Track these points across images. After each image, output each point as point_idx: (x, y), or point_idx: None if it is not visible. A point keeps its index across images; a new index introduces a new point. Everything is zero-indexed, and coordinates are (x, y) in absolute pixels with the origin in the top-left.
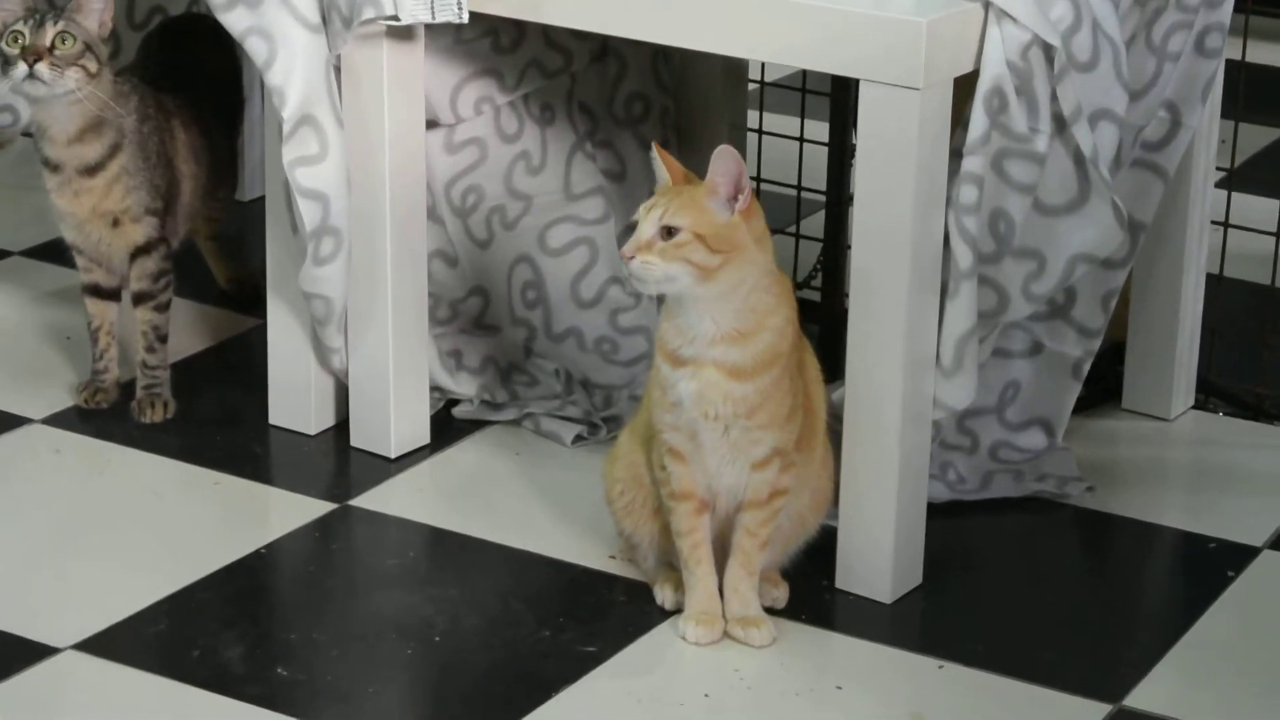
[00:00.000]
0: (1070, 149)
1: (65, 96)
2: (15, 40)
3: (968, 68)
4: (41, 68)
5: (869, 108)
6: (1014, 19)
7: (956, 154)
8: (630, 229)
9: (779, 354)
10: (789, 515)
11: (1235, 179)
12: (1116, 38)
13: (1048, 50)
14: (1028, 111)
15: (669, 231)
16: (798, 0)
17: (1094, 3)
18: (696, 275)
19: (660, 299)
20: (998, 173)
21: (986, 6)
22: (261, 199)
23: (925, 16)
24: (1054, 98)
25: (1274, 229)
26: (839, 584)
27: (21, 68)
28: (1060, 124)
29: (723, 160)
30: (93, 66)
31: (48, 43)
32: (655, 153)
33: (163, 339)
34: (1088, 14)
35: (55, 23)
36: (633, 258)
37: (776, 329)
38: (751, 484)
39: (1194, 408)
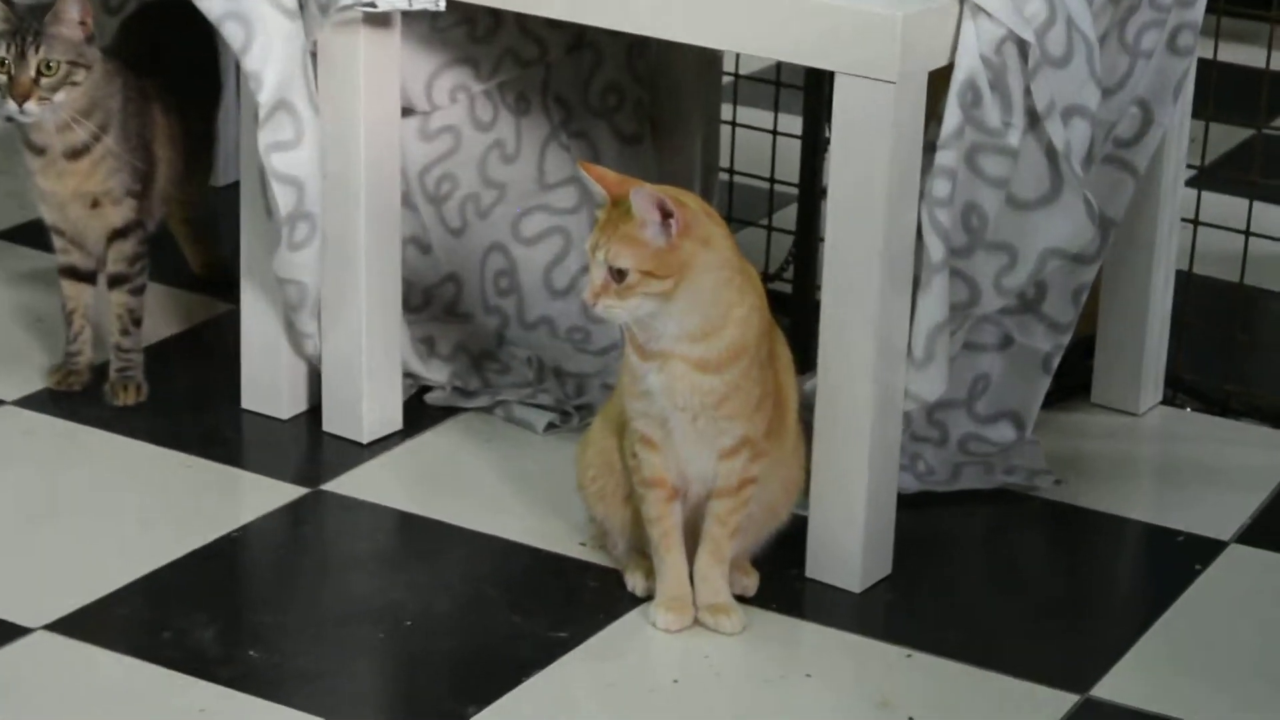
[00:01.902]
0: (1043, 144)
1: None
2: (1, 66)
3: (942, 61)
4: (31, 106)
5: (844, 100)
6: (989, 14)
7: (930, 148)
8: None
9: (745, 346)
10: (760, 504)
11: (1204, 178)
12: (1090, 34)
13: (1022, 45)
14: (1001, 106)
15: (619, 273)
16: None
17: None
18: (658, 300)
19: None
20: (970, 167)
21: (961, 1)
22: (235, 185)
23: (901, 10)
24: (1027, 93)
25: (1243, 227)
26: (809, 573)
27: (11, 105)
28: (1033, 119)
29: (639, 200)
30: (80, 76)
31: (32, 74)
32: (582, 171)
33: (137, 322)
34: (1062, 10)
35: (36, 49)
36: (595, 304)
37: (741, 320)
38: (721, 472)
39: (1162, 403)
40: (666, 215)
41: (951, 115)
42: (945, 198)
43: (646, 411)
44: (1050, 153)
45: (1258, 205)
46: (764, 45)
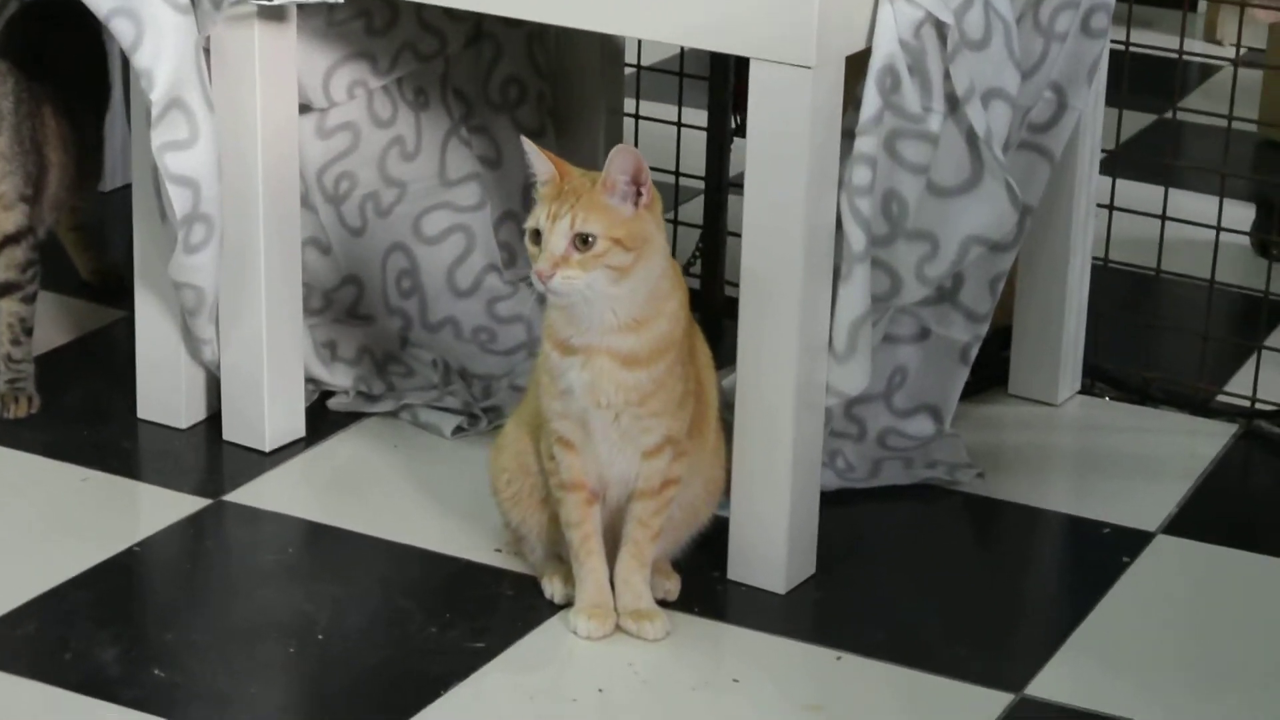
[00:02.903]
0: (963, 129)
1: None
2: None
3: (860, 46)
4: None
5: (760, 88)
6: None
7: (848, 134)
8: (508, 217)
9: (673, 340)
10: (681, 505)
11: (1118, 163)
12: (1008, 16)
13: (940, 28)
14: (920, 90)
15: (584, 240)
16: None
17: None
18: (614, 277)
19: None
20: (890, 153)
21: None
22: (122, 189)
23: None
24: (946, 77)
25: (1152, 211)
26: (731, 575)
27: None
28: (953, 103)
29: (622, 158)
30: None
31: None
32: (527, 146)
33: (29, 331)
34: None
35: None
36: (552, 276)
37: (671, 315)
38: (643, 473)
39: (1080, 392)
40: (639, 186)
41: (870, 101)
42: (865, 185)
43: (566, 411)
44: (970, 138)
45: (1154, 189)
46: (676, 31)
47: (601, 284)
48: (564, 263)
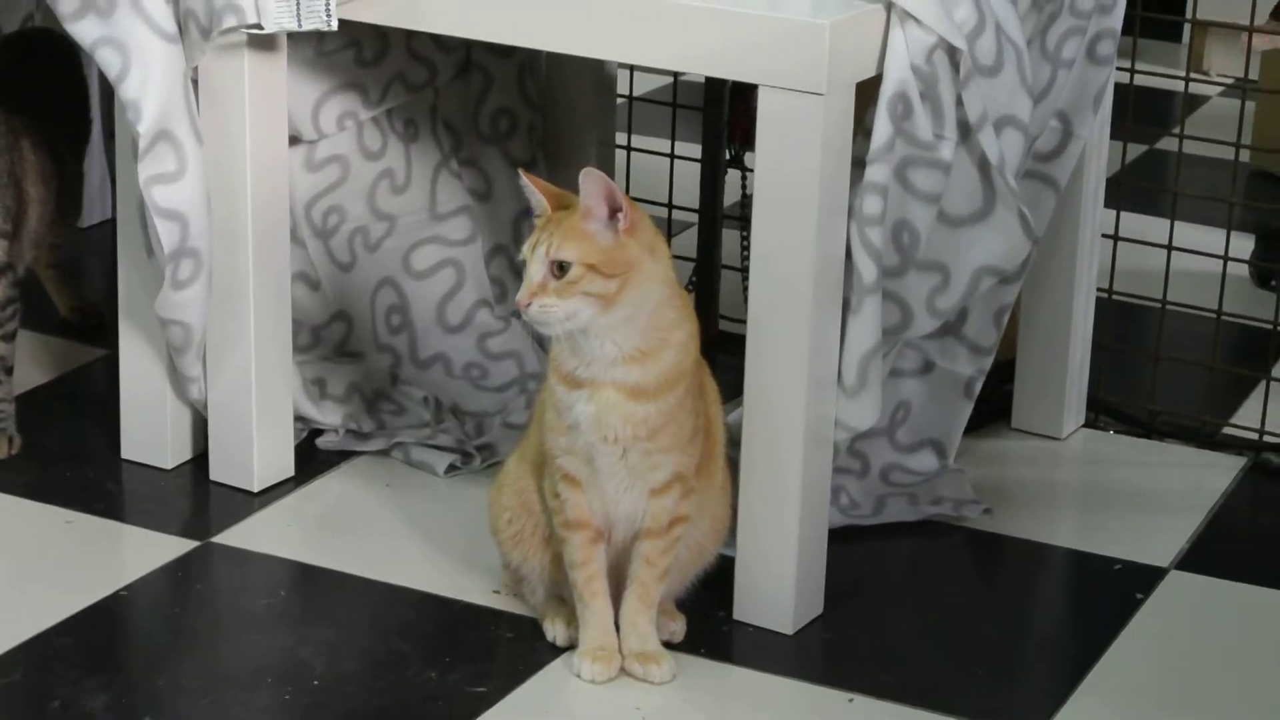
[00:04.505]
0: (975, 157)
1: None
2: None
3: (870, 72)
4: None
5: (768, 115)
6: (918, 21)
7: (858, 163)
8: (499, 250)
9: (683, 372)
10: (688, 544)
11: (1123, 194)
12: (1019, 42)
13: (953, 54)
14: (932, 117)
15: (560, 267)
16: (694, 4)
17: (996, 5)
18: (598, 306)
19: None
20: (901, 182)
21: (889, 8)
22: (100, 225)
23: (828, 19)
24: (959, 103)
25: (1150, 242)
26: (737, 615)
27: None
28: (965, 131)
29: (589, 182)
30: None
31: None
32: (524, 180)
33: (9, 370)
34: (990, 17)
35: None
36: (529, 304)
37: (680, 345)
38: (650, 511)
39: (1085, 426)
40: (614, 209)
41: (881, 128)
42: (876, 215)
43: (571, 447)
44: (983, 166)
45: (1148, 220)
46: (682, 58)
47: (586, 312)
48: (542, 291)
